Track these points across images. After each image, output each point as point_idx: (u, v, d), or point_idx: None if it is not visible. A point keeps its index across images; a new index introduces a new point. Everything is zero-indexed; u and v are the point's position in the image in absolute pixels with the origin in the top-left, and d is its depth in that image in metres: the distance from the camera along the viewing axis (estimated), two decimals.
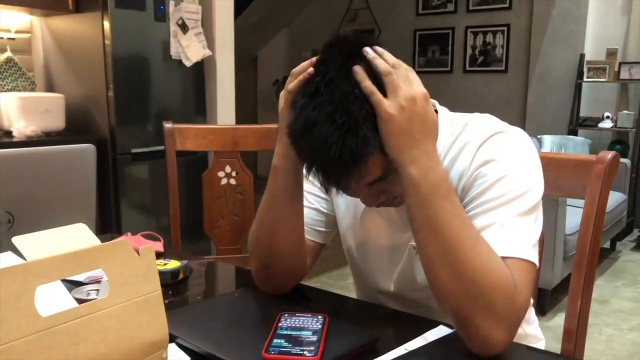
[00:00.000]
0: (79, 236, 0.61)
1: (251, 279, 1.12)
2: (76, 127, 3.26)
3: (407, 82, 0.87)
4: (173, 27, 3.32)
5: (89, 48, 3.18)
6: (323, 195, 1.18)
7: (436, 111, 1.04)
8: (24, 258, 0.63)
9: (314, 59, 0.93)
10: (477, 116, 1.05)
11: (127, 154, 3.19)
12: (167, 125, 2.08)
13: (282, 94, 0.98)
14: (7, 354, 0.51)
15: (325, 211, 1.19)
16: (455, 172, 0.99)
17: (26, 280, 0.53)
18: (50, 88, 3.48)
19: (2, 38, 3.32)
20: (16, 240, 0.56)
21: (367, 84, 0.86)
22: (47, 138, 3.03)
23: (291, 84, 0.95)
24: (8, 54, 3.29)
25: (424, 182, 0.86)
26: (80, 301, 0.62)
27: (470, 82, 6.24)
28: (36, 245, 0.56)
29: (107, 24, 3.05)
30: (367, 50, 0.89)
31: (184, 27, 3.37)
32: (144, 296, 0.63)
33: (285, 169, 1.01)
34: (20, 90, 3.28)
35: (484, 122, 1.03)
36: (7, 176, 1.05)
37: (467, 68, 6.23)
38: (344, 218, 1.19)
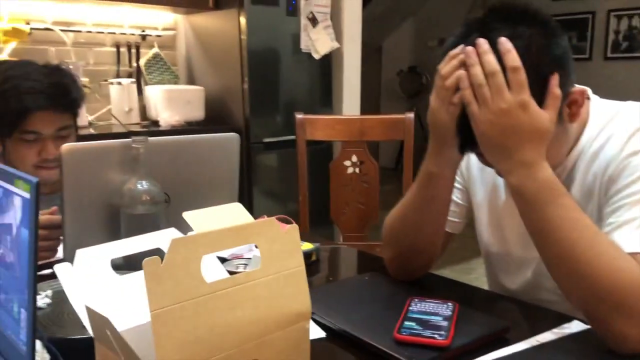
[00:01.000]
0: (235, 214, 0.68)
1: (376, 264, 1.16)
2: (214, 118, 3.49)
3: (500, 92, 0.84)
4: (303, 21, 3.44)
5: (226, 43, 3.38)
6: (459, 186, 1.19)
7: (588, 98, 1.01)
8: (184, 233, 0.71)
9: (460, 57, 0.91)
10: (630, 104, 1.00)
11: (260, 143, 3.37)
12: (299, 116, 2.17)
13: (434, 96, 0.94)
14: (178, 312, 0.59)
15: (460, 202, 1.20)
16: (601, 162, 0.96)
17: (195, 250, 0.61)
18: (191, 81, 3.75)
19: (150, 35, 3.63)
20: (186, 215, 0.64)
21: (465, 93, 0.87)
22: (189, 127, 3.28)
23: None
24: (155, 50, 3.60)
25: (523, 191, 0.86)
26: (231, 273, 0.70)
27: (612, 70, 5.80)
28: (201, 219, 0.64)
29: (243, 20, 3.23)
30: (469, 52, 0.88)
31: (313, 21, 3.48)
32: (289, 270, 0.69)
33: (443, 175, 1.00)
34: (165, 84, 3.57)
35: (638, 111, 0.98)
36: (164, 160, 1.18)
37: (609, 55, 5.80)
38: (479, 211, 1.19)
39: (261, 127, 3.39)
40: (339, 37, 3.64)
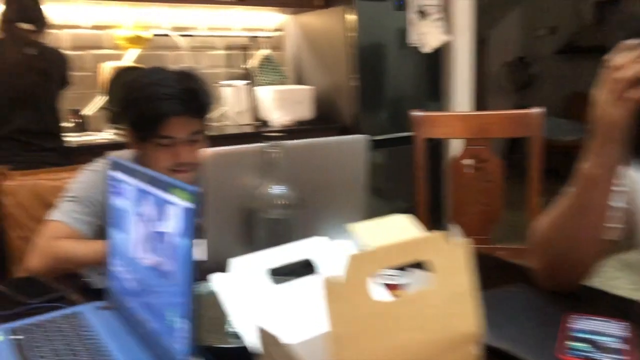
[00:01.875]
0: (403, 226, 0.64)
1: (508, 271, 1.07)
2: (324, 116, 3.50)
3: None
4: (412, 15, 3.36)
5: (335, 41, 3.37)
6: (620, 188, 1.08)
7: None
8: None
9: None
10: None
11: (369, 141, 3.32)
12: (416, 113, 2.10)
13: (603, 89, 0.87)
14: (355, 334, 0.55)
15: (621, 206, 1.09)
16: None
17: (370, 267, 0.57)
18: (299, 81, 3.78)
19: (259, 37, 3.70)
20: (352, 227, 0.61)
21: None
22: (299, 127, 3.31)
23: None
24: (266, 51, 3.65)
25: None
26: (387, 285, 0.65)
27: None
28: (369, 233, 0.60)
29: (352, 17, 3.20)
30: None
31: (422, 14, 3.38)
32: (459, 288, 0.64)
33: (604, 178, 0.92)
34: (274, 84, 3.62)
35: None
36: (296, 164, 1.16)
37: None
38: None
39: (370, 124, 3.35)
40: (449, 29, 3.52)
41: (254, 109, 3.55)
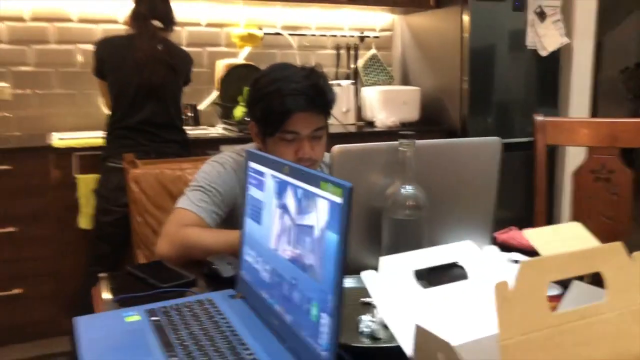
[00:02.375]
0: (577, 235, 0.59)
1: None
2: (429, 118, 3.42)
3: None
4: (530, 16, 3.21)
5: (446, 42, 3.29)
6: None
7: None
8: (439, 242, 0.63)
9: None
10: None
11: None
12: (539, 118, 2.00)
13: None
14: (526, 344, 0.52)
15: None
16: None
17: (542, 275, 0.53)
18: (405, 81, 3.73)
19: (368, 37, 3.68)
20: (527, 233, 0.57)
21: None
22: (403, 128, 3.26)
23: None
24: (373, 51, 3.63)
25: None
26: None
27: None
28: (544, 240, 0.56)
29: (466, 17, 3.11)
30: None
31: (542, 15, 3.22)
32: (633, 305, 0.58)
33: None
34: (380, 84, 3.59)
35: None
36: (426, 164, 1.13)
37: None
38: None
39: (477, 128, 3.24)
40: (569, 32, 3.34)
41: (359, 109, 3.55)
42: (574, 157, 3.46)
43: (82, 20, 2.99)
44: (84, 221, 2.50)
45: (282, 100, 1.34)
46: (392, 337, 0.83)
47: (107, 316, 0.95)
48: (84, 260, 2.50)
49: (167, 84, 2.41)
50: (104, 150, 2.42)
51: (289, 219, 0.83)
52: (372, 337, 0.85)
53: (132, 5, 2.44)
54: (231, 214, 1.43)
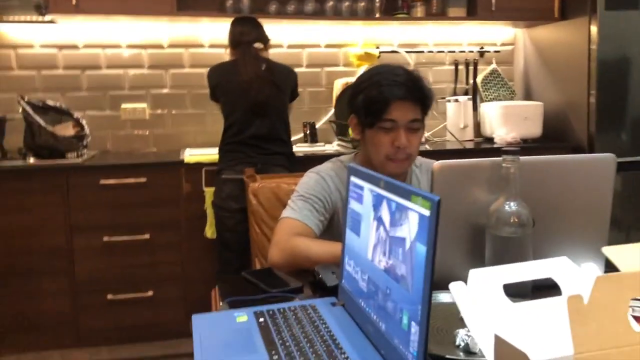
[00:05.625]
0: None
1: None
2: (552, 134, 3.28)
3: None
4: None
5: (572, 54, 3.15)
6: None
7: None
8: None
9: None
10: None
11: None
12: None
13: None
14: (589, 353, 0.51)
15: None
16: None
17: (621, 291, 0.53)
18: (528, 96, 3.60)
19: (488, 52, 3.62)
20: (606, 250, 0.56)
21: None
22: (525, 145, 3.15)
23: None
24: (493, 66, 3.56)
25: None
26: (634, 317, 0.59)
27: None
28: (625, 256, 0.55)
29: (594, 28, 2.96)
30: None
31: None
32: None
33: None
34: (501, 100, 3.50)
35: None
36: (533, 181, 1.11)
37: None
38: None
39: (606, 145, 3.04)
40: None
41: (478, 125, 3.48)
42: None
43: (212, 46, 3.25)
44: (210, 231, 2.70)
45: (381, 90, 1.42)
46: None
47: (220, 315, 1.04)
48: (210, 268, 2.70)
49: (271, 100, 2.56)
50: (218, 164, 2.62)
51: (384, 230, 0.86)
52: (467, 350, 0.85)
53: (229, 31, 2.64)
54: (332, 220, 1.51)
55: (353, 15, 3.21)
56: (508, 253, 1.07)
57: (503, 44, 3.67)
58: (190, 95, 3.26)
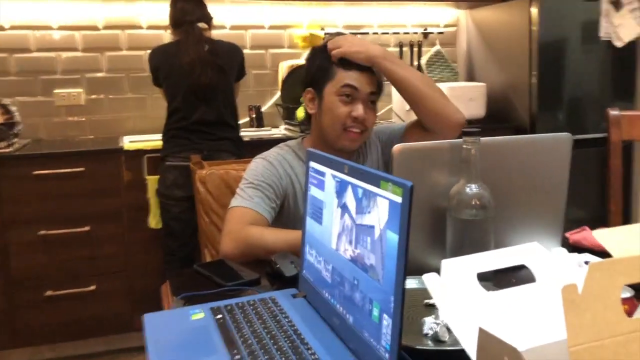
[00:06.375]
0: None
1: None
2: (496, 115, 3.33)
3: None
4: (605, 6, 3.06)
5: (513, 36, 3.19)
6: None
7: None
8: (503, 244, 0.60)
9: None
10: None
11: None
12: (613, 112, 1.90)
13: None
14: (597, 351, 0.49)
15: None
16: None
17: (611, 278, 0.50)
18: (471, 77, 3.64)
19: (432, 33, 3.62)
20: (596, 233, 0.54)
21: None
22: (469, 126, 3.18)
23: None
24: (437, 47, 3.57)
25: None
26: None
27: None
28: (616, 240, 0.53)
29: (534, 10, 3.00)
30: None
31: (617, 4, 3.07)
32: None
33: None
34: (445, 81, 3.52)
35: None
36: (492, 162, 1.09)
37: None
38: None
39: (547, 125, 3.12)
40: None
41: None
42: None
43: (150, 27, 3.10)
44: (154, 221, 2.59)
45: (343, 59, 1.42)
46: (456, 340, 0.81)
47: (174, 313, 0.97)
48: (155, 260, 2.59)
49: (216, 84, 2.46)
50: (162, 151, 2.51)
51: (349, 218, 0.82)
52: (436, 339, 0.83)
53: (170, 10, 2.52)
54: (282, 207, 1.46)
55: None
56: (470, 236, 1.05)
57: (446, 25, 3.69)
58: (128, 79, 3.11)
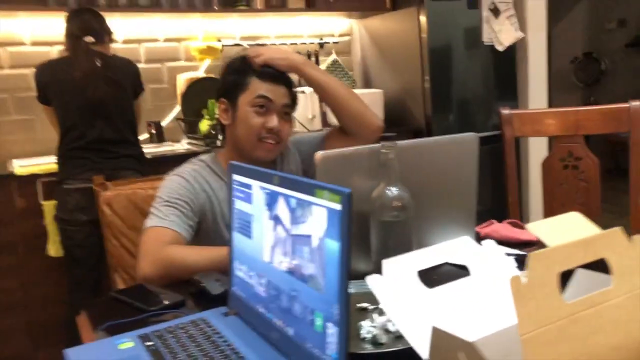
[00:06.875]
0: (577, 224, 0.60)
1: None
2: (394, 119, 3.45)
3: None
4: (485, 13, 3.28)
5: (404, 43, 3.33)
6: None
7: None
8: (424, 243, 0.64)
9: None
10: None
11: None
12: (505, 111, 2.03)
13: None
14: (543, 337, 0.52)
15: None
16: None
17: (551, 266, 0.54)
18: (367, 85, 3.75)
19: (328, 43, 3.70)
20: (530, 226, 0.57)
21: None
22: None
23: None
24: (333, 56, 3.65)
25: None
26: None
27: None
28: (547, 231, 0.56)
29: (423, 18, 3.15)
30: None
31: (496, 12, 3.30)
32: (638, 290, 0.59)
33: None
34: None
35: None
36: (408, 164, 1.13)
37: None
38: None
39: (441, 126, 3.28)
40: (522, 26, 3.42)
41: (324, 114, 3.55)
42: (534, 149, 3.55)
43: (35, 43, 2.91)
44: (53, 249, 2.42)
45: (256, 70, 1.43)
46: (394, 342, 0.82)
47: (98, 345, 0.91)
48: (56, 290, 2.43)
49: (111, 99, 2.35)
50: (58, 174, 2.36)
51: (282, 230, 0.81)
52: (375, 342, 0.84)
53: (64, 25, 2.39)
54: (200, 224, 1.42)
55: (191, 7, 3.08)
56: (393, 237, 1.07)
57: (341, 35, 3.78)
58: (13, 99, 2.89)
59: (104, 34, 2.43)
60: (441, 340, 0.55)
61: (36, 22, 2.88)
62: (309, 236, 0.74)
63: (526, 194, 3.55)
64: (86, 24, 2.38)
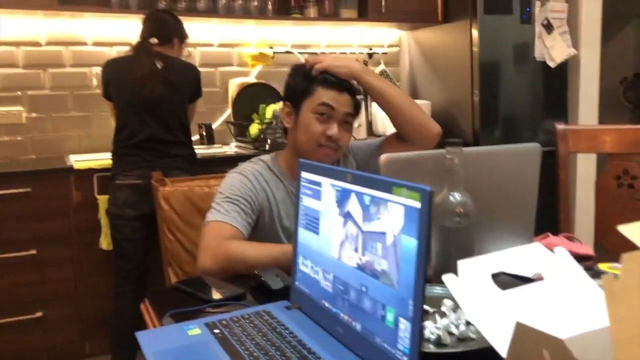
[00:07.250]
0: None
1: None
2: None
3: None
4: (538, 28, 3.25)
5: (455, 56, 3.33)
6: None
7: None
8: (481, 250, 0.64)
9: None
10: None
11: None
12: (560, 126, 2.01)
13: None
14: (630, 342, 0.52)
15: None
16: None
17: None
18: (415, 96, 3.76)
19: (377, 53, 3.72)
20: (622, 228, 0.57)
21: None
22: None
23: None
24: (382, 67, 3.67)
25: None
26: None
27: None
28: (637, 233, 0.57)
29: (475, 32, 3.15)
30: None
31: (549, 27, 3.27)
32: None
33: None
34: None
35: None
36: (471, 171, 1.14)
37: None
38: None
39: (489, 140, 3.26)
40: (575, 43, 3.38)
41: (370, 124, 3.57)
42: (581, 165, 3.48)
43: (96, 44, 3.02)
44: (105, 242, 2.50)
45: (323, 76, 1.45)
46: (457, 343, 0.83)
47: (168, 330, 0.94)
48: (106, 283, 2.50)
49: (166, 100, 2.42)
50: (112, 169, 2.43)
51: (354, 226, 0.83)
52: (438, 343, 0.85)
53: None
54: (257, 221, 1.46)
55: (246, 14, 3.14)
56: (454, 243, 1.08)
57: (390, 45, 3.80)
58: (72, 96, 3.01)
59: (172, 36, 2.50)
60: (525, 336, 0.56)
61: (99, 24, 2.99)
62: (383, 233, 0.76)
63: (572, 210, 3.49)
64: (154, 25, 2.47)
